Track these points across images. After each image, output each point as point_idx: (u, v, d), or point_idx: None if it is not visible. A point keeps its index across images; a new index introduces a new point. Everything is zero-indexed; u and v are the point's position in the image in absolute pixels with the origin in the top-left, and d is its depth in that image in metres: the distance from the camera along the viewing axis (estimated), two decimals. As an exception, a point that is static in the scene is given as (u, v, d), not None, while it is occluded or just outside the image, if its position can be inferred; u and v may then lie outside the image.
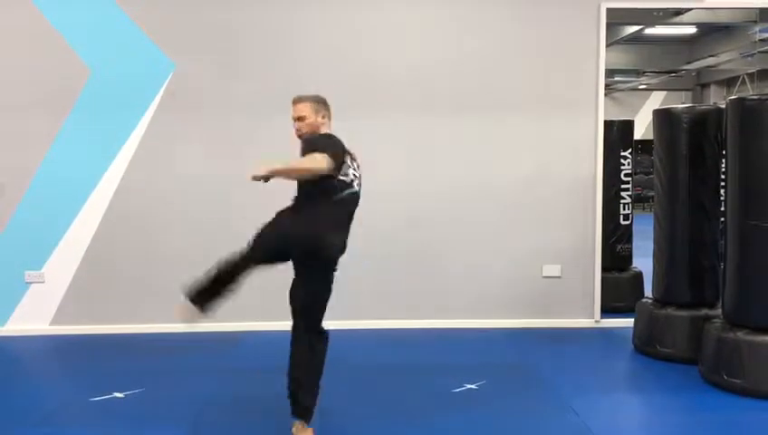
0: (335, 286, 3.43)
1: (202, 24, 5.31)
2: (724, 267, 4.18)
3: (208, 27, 5.31)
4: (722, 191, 4.44)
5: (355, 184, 3.32)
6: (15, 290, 5.36)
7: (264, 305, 5.36)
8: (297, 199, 3.38)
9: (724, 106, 4.27)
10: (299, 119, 3.37)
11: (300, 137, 3.37)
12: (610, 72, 14.11)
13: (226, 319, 5.35)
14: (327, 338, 3.42)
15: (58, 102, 5.26)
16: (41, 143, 5.28)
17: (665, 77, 16.49)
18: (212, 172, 5.39)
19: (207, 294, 3.41)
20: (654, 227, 4.81)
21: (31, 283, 5.35)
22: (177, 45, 5.29)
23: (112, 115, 5.28)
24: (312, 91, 5.16)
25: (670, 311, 4.60)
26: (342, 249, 3.33)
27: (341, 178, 3.24)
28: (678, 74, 16.16)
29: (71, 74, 5.24)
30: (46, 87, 5.26)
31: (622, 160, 5.98)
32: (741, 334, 3.92)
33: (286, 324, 5.19)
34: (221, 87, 5.31)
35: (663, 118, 4.73)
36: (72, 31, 5.25)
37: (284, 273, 5.41)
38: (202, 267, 5.36)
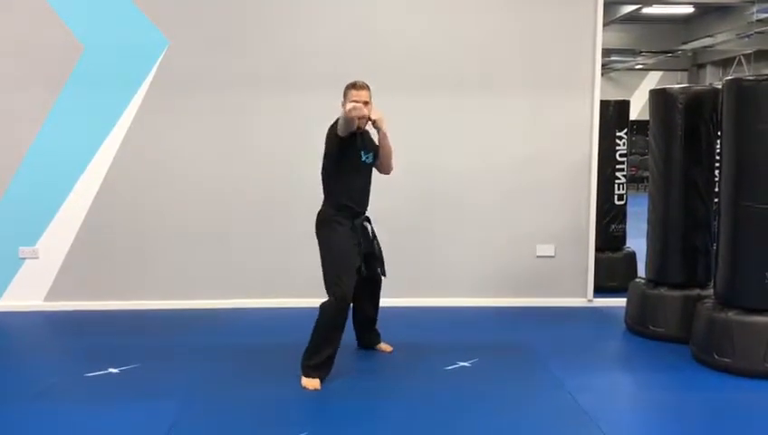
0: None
1: (197, 0, 5.25)
2: (717, 248, 4.20)
3: (203, 3, 5.26)
4: (716, 172, 4.45)
5: None
6: (9, 266, 5.35)
7: (260, 284, 5.41)
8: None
9: (720, 87, 4.27)
10: (365, 104, 3.80)
11: (363, 117, 3.77)
12: (607, 52, 14.11)
13: (223, 296, 5.40)
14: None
15: (51, 78, 5.22)
16: (34, 118, 5.24)
17: (661, 57, 16.45)
18: (206, 148, 5.37)
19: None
20: (648, 208, 4.83)
21: (25, 259, 5.35)
22: (172, 21, 5.24)
23: (106, 91, 5.24)
24: (309, 67, 5.22)
25: (663, 291, 4.64)
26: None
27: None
28: (675, 54, 16.12)
29: (64, 50, 5.19)
30: (39, 62, 5.21)
31: (617, 141, 5.98)
32: (732, 314, 3.96)
33: (282, 302, 5.27)
34: (215, 63, 5.27)
35: (659, 98, 4.72)
36: (65, 6, 5.18)
37: (279, 253, 5.44)
38: (195, 244, 5.41)
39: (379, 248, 4.10)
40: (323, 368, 3.78)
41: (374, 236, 4.07)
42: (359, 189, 3.95)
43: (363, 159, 3.91)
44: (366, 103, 3.79)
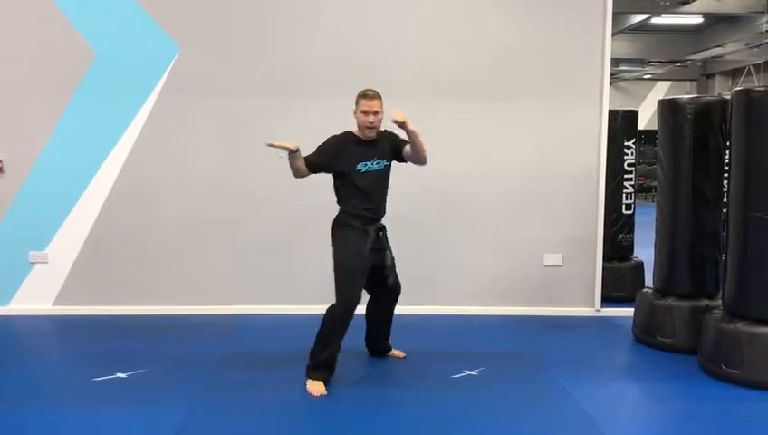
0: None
1: (207, 8, 5.30)
2: (726, 258, 4.19)
3: (213, 11, 5.30)
4: (725, 183, 4.45)
5: None
6: (19, 270, 5.38)
7: (269, 290, 5.42)
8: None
9: (729, 97, 4.27)
10: (376, 113, 3.87)
11: (372, 127, 3.87)
12: (616, 62, 14.11)
13: (229, 302, 5.41)
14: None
15: (62, 84, 5.26)
16: (45, 124, 5.29)
17: (670, 67, 16.45)
18: (215, 155, 5.40)
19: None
20: (656, 218, 4.82)
21: (35, 263, 5.38)
22: (182, 29, 5.28)
23: (116, 98, 5.28)
24: (319, 73, 5.25)
25: (671, 301, 4.62)
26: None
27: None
28: (684, 64, 16.12)
29: (75, 56, 5.23)
30: (50, 69, 5.26)
31: (626, 150, 5.98)
32: (740, 325, 3.94)
33: (291, 308, 5.28)
34: (225, 70, 5.31)
35: (667, 108, 4.72)
36: (77, 13, 5.23)
37: (289, 261, 5.45)
38: (205, 250, 5.43)
39: (393, 259, 4.12)
40: (323, 368, 3.80)
41: (388, 246, 4.08)
42: (366, 197, 3.93)
43: (359, 168, 3.89)
44: (376, 113, 3.86)
